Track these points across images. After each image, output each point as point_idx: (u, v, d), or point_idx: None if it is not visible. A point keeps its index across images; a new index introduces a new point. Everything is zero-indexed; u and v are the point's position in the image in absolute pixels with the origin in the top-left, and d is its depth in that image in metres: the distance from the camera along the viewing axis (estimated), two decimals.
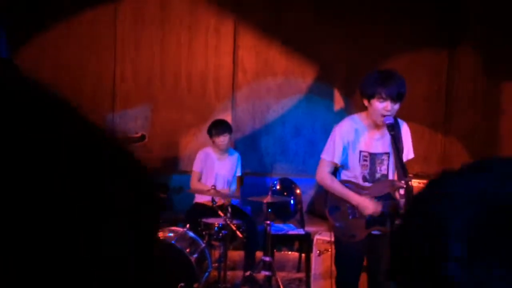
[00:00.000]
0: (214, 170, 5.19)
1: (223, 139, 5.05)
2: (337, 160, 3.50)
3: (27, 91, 0.54)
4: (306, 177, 5.75)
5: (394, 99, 3.32)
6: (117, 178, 0.52)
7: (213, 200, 4.61)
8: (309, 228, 5.33)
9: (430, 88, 6.42)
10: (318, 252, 4.69)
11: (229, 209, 4.51)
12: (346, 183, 3.54)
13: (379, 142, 3.50)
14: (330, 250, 4.44)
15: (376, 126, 3.47)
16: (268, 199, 4.51)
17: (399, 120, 3.56)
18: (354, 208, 3.50)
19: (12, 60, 4.54)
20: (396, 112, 3.40)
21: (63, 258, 0.47)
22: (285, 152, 6.26)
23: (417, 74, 6.20)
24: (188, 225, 4.43)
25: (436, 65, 6.42)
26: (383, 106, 3.32)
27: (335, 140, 3.49)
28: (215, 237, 4.48)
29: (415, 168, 5.51)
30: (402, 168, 3.33)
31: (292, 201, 5.54)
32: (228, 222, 4.43)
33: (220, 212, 4.52)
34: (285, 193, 5.61)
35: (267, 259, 4.54)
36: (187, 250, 4.11)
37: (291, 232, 5.31)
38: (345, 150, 3.50)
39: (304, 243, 5.25)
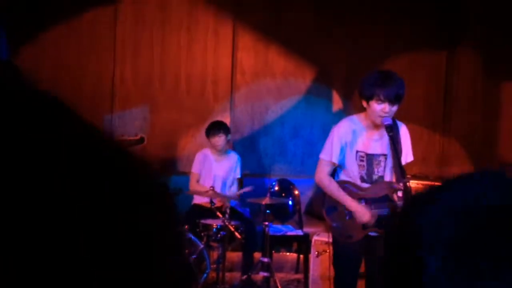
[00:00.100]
0: (212, 172, 5.20)
1: (217, 140, 5.06)
2: (335, 160, 3.52)
3: (26, 93, 0.55)
4: (304, 178, 5.75)
5: (392, 101, 3.33)
6: (115, 178, 0.52)
7: (211, 202, 4.61)
8: (308, 229, 5.33)
9: (429, 88, 6.43)
10: (316, 253, 4.69)
11: (228, 211, 4.52)
12: (344, 184, 3.56)
13: (378, 143, 3.51)
14: (328, 251, 4.44)
15: (375, 127, 3.48)
16: (266, 200, 4.51)
17: (398, 122, 3.56)
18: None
19: (12, 61, 4.53)
20: (394, 114, 3.41)
21: (63, 258, 0.47)
22: (284, 153, 6.26)
23: (417, 75, 6.20)
24: (186, 226, 4.43)
25: (436, 66, 6.42)
26: (381, 108, 3.33)
27: (333, 140, 3.51)
28: (213, 238, 4.49)
29: (414, 169, 5.52)
30: (400, 170, 3.35)
31: (290, 202, 5.55)
32: (227, 223, 4.43)
33: (218, 213, 4.53)
34: (283, 194, 5.61)
35: (266, 260, 4.54)
36: (185, 251, 4.10)
37: (289, 233, 5.32)
38: (342, 150, 3.51)
39: (303, 244, 5.26)
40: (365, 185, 3.51)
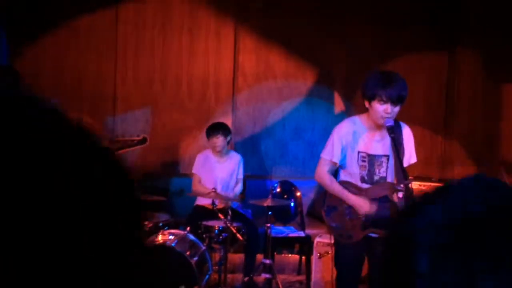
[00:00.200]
0: (214, 173, 5.20)
1: (215, 141, 5.06)
2: (336, 159, 3.53)
3: (24, 98, 0.59)
4: (306, 180, 5.74)
5: (394, 102, 3.33)
6: (100, 179, 0.59)
7: (213, 203, 4.61)
8: (310, 231, 5.33)
9: (430, 89, 6.42)
10: (318, 254, 4.69)
11: (229, 212, 4.52)
12: (344, 184, 3.56)
13: (379, 144, 3.51)
14: (330, 252, 4.44)
15: (377, 127, 3.47)
16: (268, 202, 4.51)
17: (401, 124, 3.56)
18: (351, 208, 3.51)
19: (12, 66, 4.54)
20: (396, 115, 3.41)
21: (56, 252, 0.53)
22: (285, 155, 6.26)
23: (417, 75, 6.20)
24: (188, 228, 4.43)
25: (436, 66, 6.42)
26: (383, 109, 3.33)
27: (334, 140, 3.52)
28: (215, 240, 4.49)
29: (415, 170, 5.51)
30: (402, 171, 3.34)
31: (292, 204, 5.55)
32: (229, 225, 4.43)
33: (220, 215, 4.53)
34: (285, 196, 5.61)
35: (268, 261, 4.55)
36: (187, 253, 4.11)
37: (291, 235, 5.32)
38: (343, 151, 3.52)
39: (305, 246, 5.25)
40: (366, 186, 3.51)
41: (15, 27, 5.89)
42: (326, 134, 3.76)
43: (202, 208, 5.07)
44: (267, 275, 4.58)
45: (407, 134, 3.57)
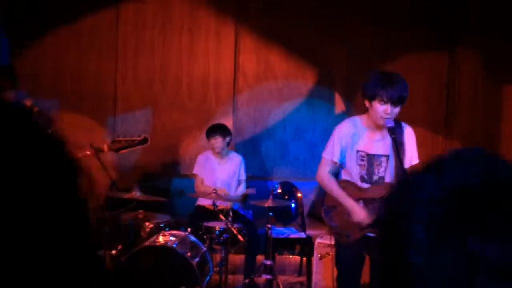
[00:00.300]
0: (215, 174, 5.20)
1: (214, 142, 5.07)
2: (336, 159, 3.55)
3: None
4: (307, 181, 5.74)
5: (395, 103, 3.34)
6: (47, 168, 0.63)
7: (214, 204, 4.61)
8: (310, 232, 5.33)
9: (431, 89, 6.42)
10: (319, 255, 4.69)
11: (230, 213, 4.52)
12: (344, 183, 3.57)
13: (380, 144, 3.51)
14: (331, 253, 4.44)
15: (377, 127, 3.48)
16: (269, 203, 4.51)
17: (403, 124, 3.56)
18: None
19: (12, 66, 4.54)
20: (396, 115, 3.41)
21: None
22: (286, 156, 6.25)
23: (417, 76, 6.20)
24: (189, 229, 4.43)
25: (436, 66, 6.42)
26: (383, 109, 3.34)
27: (334, 140, 3.55)
28: (216, 241, 4.48)
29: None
30: (403, 172, 3.34)
31: (293, 205, 5.55)
32: (229, 226, 4.43)
33: (221, 216, 4.53)
34: (286, 197, 5.61)
35: (268, 262, 4.55)
36: (188, 254, 4.11)
37: (292, 236, 5.32)
38: (343, 150, 3.54)
39: (305, 247, 5.25)
40: (365, 185, 3.52)
41: (16, 27, 5.88)
42: (327, 134, 3.76)
43: (203, 209, 5.07)
44: (268, 276, 4.59)
45: (409, 135, 3.56)
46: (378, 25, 6.24)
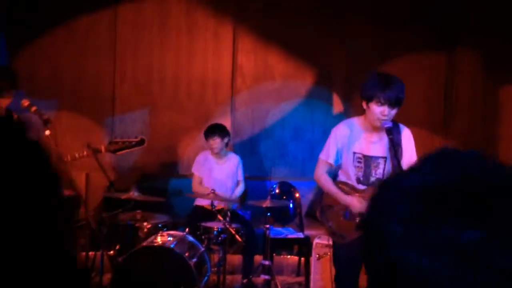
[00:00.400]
0: (213, 175, 5.20)
1: (212, 143, 5.07)
2: (331, 160, 3.58)
3: None
4: (305, 181, 5.74)
5: (392, 104, 3.35)
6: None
7: (212, 204, 4.61)
8: (309, 232, 5.33)
9: (430, 89, 6.41)
10: (317, 256, 4.69)
11: (228, 213, 4.52)
12: (341, 184, 3.59)
13: (377, 145, 3.52)
14: (329, 253, 4.44)
15: (374, 129, 3.49)
16: (267, 203, 4.51)
17: (401, 125, 3.57)
18: (347, 209, 3.53)
19: (9, 67, 4.54)
20: (393, 117, 3.42)
21: None
22: (285, 156, 6.25)
23: (416, 76, 6.19)
24: (187, 229, 4.43)
25: (436, 66, 6.41)
26: (380, 111, 3.35)
27: (330, 141, 3.60)
28: (214, 241, 4.49)
29: None
30: None
31: (291, 205, 5.55)
32: (227, 226, 4.43)
33: (219, 216, 4.53)
34: (284, 197, 5.61)
35: (266, 263, 4.55)
36: (186, 254, 4.11)
37: (290, 236, 5.32)
38: (338, 152, 3.57)
39: (304, 247, 5.25)
40: (362, 187, 3.53)
41: (14, 27, 5.88)
42: (325, 135, 3.78)
43: (201, 209, 5.07)
44: (266, 276, 4.59)
45: (407, 136, 3.57)
46: (378, 25, 6.23)
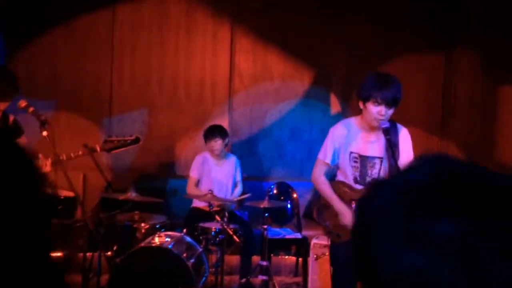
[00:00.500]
0: (211, 175, 5.19)
1: (214, 144, 5.06)
2: (328, 160, 3.60)
3: None
4: (303, 181, 5.73)
5: (389, 104, 3.35)
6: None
7: (210, 205, 4.61)
8: (306, 232, 5.32)
9: (430, 90, 6.41)
10: (315, 256, 4.68)
11: (226, 214, 4.52)
12: (339, 184, 3.60)
13: (374, 145, 3.52)
14: (327, 254, 4.44)
15: (371, 129, 3.49)
16: (265, 203, 4.51)
17: (398, 125, 3.56)
18: None
19: (7, 67, 4.54)
20: (390, 117, 3.41)
21: None
22: (283, 156, 6.24)
23: (416, 76, 6.19)
24: (185, 230, 4.43)
25: (435, 67, 6.40)
26: (377, 110, 3.35)
27: (328, 141, 3.61)
28: (212, 241, 4.48)
29: None
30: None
31: (289, 206, 5.55)
32: (225, 226, 4.43)
33: (217, 217, 4.52)
34: (282, 198, 5.61)
35: (264, 263, 4.55)
36: (184, 255, 4.10)
37: (288, 237, 5.31)
38: (336, 152, 3.58)
39: (301, 247, 5.25)
40: (358, 187, 3.53)
41: (13, 27, 5.89)
42: (323, 135, 3.78)
43: (198, 210, 5.07)
44: (264, 277, 4.59)
45: (404, 136, 3.56)
46: (378, 25, 6.23)
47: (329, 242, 3.82)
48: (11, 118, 3.84)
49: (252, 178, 5.87)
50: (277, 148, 6.23)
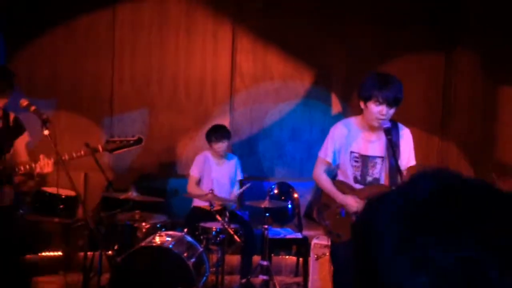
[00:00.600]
0: (212, 175, 5.19)
1: (221, 145, 5.06)
2: (329, 159, 3.61)
3: None
4: (304, 181, 5.74)
5: (390, 104, 3.35)
6: None
7: (210, 205, 4.61)
8: (307, 232, 5.33)
9: (430, 90, 6.41)
10: (315, 256, 4.69)
11: (227, 214, 4.52)
12: (339, 183, 3.61)
13: (375, 145, 3.52)
14: (327, 254, 4.44)
15: (372, 128, 3.49)
16: (265, 203, 4.51)
17: (400, 125, 3.57)
18: (344, 208, 3.54)
19: (6, 66, 4.54)
20: (391, 117, 3.42)
21: None
22: (283, 156, 6.25)
23: (416, 76, 6.19)
24: (186, 230, 4.43)
25: (435, 67, 6.41)
26: (378, 110, 3.35)
27: (328, 140, 3.62)
28: (212, 241, 4.49)
29: (412, 172, 5.49)
30: (398, 173, 3.34)
31: (289, 205, 5.55)
32: (226, 226, 4.43)
33: (218, 217, 4.53)
34: (282, 198, 5.61)
35: (265, 263, 4.55)
36: (185, 254, 4.10)
37: (288, 236, 5.31)
38: (336, 151, 3.59)
39: (302, 247, 5.25)
40: (359, 186, 3.54)
41: (13, 27, 5.89)
42: (323, 135, 3.79)
43: (199, 209, 5.07)
44: (264, 277, 4.59)
45: (406, 136, 3.57)
46: (378, 25, 6.24)
47: (330, 242, 3.82)
48: (12, 116, 3.84)
49: (253, 178, 5.87)
50: (277, 148, 6.23)
